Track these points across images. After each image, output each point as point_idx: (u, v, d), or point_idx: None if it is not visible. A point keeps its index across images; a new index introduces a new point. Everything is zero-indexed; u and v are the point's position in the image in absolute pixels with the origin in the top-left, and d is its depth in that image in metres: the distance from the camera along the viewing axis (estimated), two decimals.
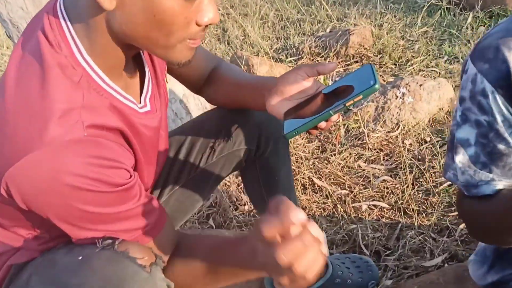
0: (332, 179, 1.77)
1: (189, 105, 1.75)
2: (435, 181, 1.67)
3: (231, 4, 3.71)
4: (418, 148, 1.84)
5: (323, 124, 0.87)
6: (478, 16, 2.76)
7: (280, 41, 3.00)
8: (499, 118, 0.75)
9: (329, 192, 1.70)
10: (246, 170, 1.23)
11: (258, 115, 1.12)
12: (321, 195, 1.71)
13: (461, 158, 0.81)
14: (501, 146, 0.76)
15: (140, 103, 0.83)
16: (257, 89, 0.99)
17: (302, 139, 2.00)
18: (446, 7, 2.89)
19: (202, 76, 1.11)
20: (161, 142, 0.94)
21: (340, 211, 1.62)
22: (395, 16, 2.97)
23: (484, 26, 2.68)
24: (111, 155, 0.71)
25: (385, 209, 1.61)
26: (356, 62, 2.57)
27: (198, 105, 1.78)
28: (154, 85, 0.90)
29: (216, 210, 1.72)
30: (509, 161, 0.77)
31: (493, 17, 2.77)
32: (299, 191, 1.73)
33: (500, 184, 0.79)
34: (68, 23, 0.71)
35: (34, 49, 0.70)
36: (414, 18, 2.90)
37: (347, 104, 0.80)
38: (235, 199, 1.76)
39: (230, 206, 1.72)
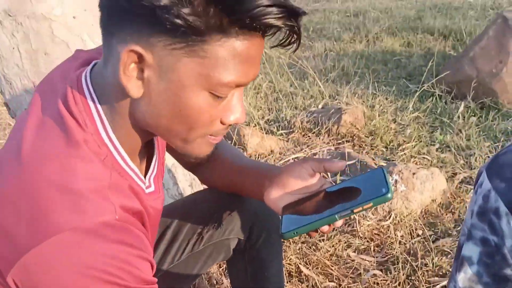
0: (319, 268, 1.66)
1: (177, 175, 1.65)
2: (428, 281, 1.57)
3: None
4: (410, 241, 1.76)
5: (325, 228, 0.78)
6: (470, 106, 2.79)
7: (272, 113, 2.98)
8: (508, 243, 0.68)
9: (316, 283, 1.58)
10: (234, 261, 1.13)
11: (253, 203, 1.03)
12: (307, 286, 1.59)
13: (462, 276, 0.73)
14: (507, 272, 0.69)
15: (145, 183, 0.77)
16: (257, 176, 0.92)
17: None
18: (438, 95, 2.92)
19: None
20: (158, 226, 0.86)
21: None
22: (386, 99, 2.99)
23: (475, 116, 2.70)
24: (139, 244, 0.64)
25: None
26: (348, 141, 2.53)
27: (186, 176, 1.69)
28: (159, 164, 0.84)
29: None
30: None
31: (484, 108, 2.81)
32: (285, 279, 1.61)
33: None
34: (96, 100, 0.67)
35: (57, 123, 0.64)
36: (405, 102, 2.92)
37: (355, 211, 0.73)
38: (215, 282, 1.62)
39: None
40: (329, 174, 2.15)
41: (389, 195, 0.72)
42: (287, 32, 0.63)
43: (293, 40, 0.64)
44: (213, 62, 0.59)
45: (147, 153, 0.79)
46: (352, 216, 1.88)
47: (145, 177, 0.77)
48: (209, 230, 1.03)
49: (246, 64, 0.62)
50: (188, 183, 1.69)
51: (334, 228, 1.65)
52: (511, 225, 0.67)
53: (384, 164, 2.19)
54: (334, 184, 0.84)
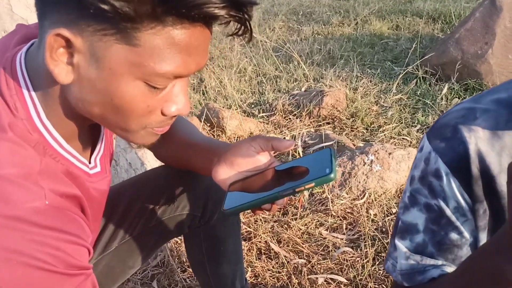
0: (290, 246, 1.66)
1: (146, 155, 1.64)
2: None
3: (211, 56, 3.71)
4: (383, 219, 1.76)
5: (267, 206, 0.77)
6: (454, 88, 2.78)
7: (255, 96, 2.97)
8: (451, 204, 0.67)
9: (286, 260, 1.58)
10: (189, 236, 1.12)
11: (207, 179, 1.01)
12: (277, 263, 1.59)
13: (407, 244, 0.72)
14: (453, 236, 0.68)
15: (90, 163, 0.75)
16: (206, 152, 0.90)
17: None
18: (422, 77, 2.91)
19: None
20: (104, 205, 0.85)
21: (295, 283, 1.50)
22: (370, 81, 2.98)
23: (459, 98, 2.69)
24: (74, 230, 0.61)
25: (342, 285, 1.50)
26: (328, 123, 2.53)
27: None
28: (106, 144, 0.82)
29: (162, 271, 1.59)
30: (459, 254, 0.69)
31: (469, 90, 2.80)
32: (254, 256, 1.61)
33: (450, 269, 0.70)
34: (29, 84, 0.63)
35: None
36: (389, 84, 2.90)
37: (297, 190, 0.72)
38: (184, 260, 1.63)
39: (178, 268, 1.58)
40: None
41: (332, 175, 0.70)
42: (235, 22, 0.59)
43: (242, 31, 0.61)
44: (147, 51, 0.56)
45: (92, 134, 0.77)
46: (324, 195, 1.88)
47: (90, 157, 0.76)
48: (161, 206, 1.02)
49: (186, 55, 0.59)
50: (158, 163, 1.68)
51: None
52: (452, 185, 0.66)
53: (362, 145, 2.18)
54: (283, 162, 0.83)
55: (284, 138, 2.33)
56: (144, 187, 1.05)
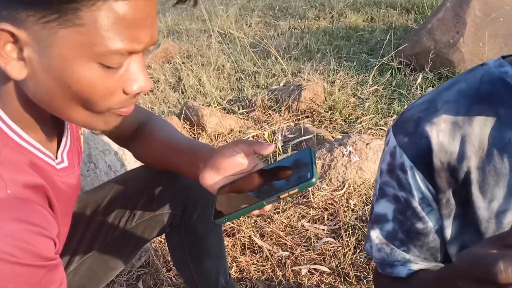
0: (274, 239, 1.69)
1: (125, 156, 1.65)
2: None
3: (188, 54, 3.71)
4: (362, 208, 1.80)
5: (255, 212, 0.80)
6: (428, 77, 2.84)
7: (234, 92, 2.99)
8: (417, 196, 0.70)
9: (269, 253, 1.61)
10: (171, 235, 1.14)
11: (185, 178, 1.02)
12: (261, 257, 1.62)
13: (378, 233, 0.75)
14: (419, 226, 0.72)
15: (57, 158, 0.75)
16: (191, 156, 0.91)
17: None
18: (397, 67, 2.96)
19: (128, 129, 1.02)
20: (76, 196, 0.85)
21: (279, 275, 1.53)
22: (347, 74, 3.02)
23: (433, 87, 2.74)
24: (39, 221, 0.60)
25: (325, 274, 1.53)
26: (307, 117, 2.56)
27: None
28: (72, 139, 0.82)
29: (147, 271, 1.60)
30: (426, 241, 0.72)
31: (442, 78, 2.86)
32: (238, 251, 1.64)
33: (416, 266, 0.73)
34: None
35: None
36: (366, 76, 2.95)
37: (281, 197, 0.75)
38: (169, 259, 1.64)
39: (163, 267, 1.60)
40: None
41: (313, 180, 0.73)
42: None
43: None
44: (93, 30, 0.55)
45: (56, 128, 0.77)
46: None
47: (57, 152, 0.76)
48: (141, 207, 1.03)
49: (134, 28, 0.57)
50: (138, 164, 1.69)
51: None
52: (416, 178, 0.69)
53: (340, 137, 2.22)
54: (267, 164, 0.86)
55: (264, 133, 2.36)
56: (124, 188, 1.05)
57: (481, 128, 0.66)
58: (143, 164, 1.09)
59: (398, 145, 0.70)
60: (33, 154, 0.67)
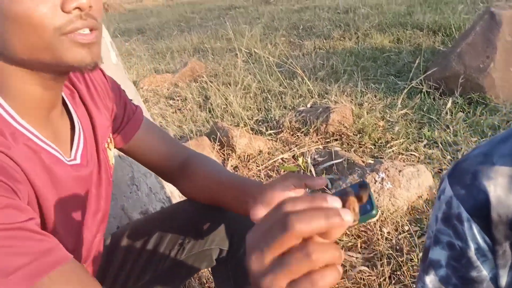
0: None
1: None
2: (413, 276, 1.59)
3: (215, 73, 3.75)
4: (396, 237, 1.78)
5: None
6: (458, 102, 2.81)
7: (261, 113, 3.00)
8: (472, 246, 0.71)
9: None
10: (217, 269, 1.14)
11: (232, 213, 1.03)
12: None
13: (432, 278, 0.76)
14: (473, 274, 0.72)
15: (70, 156, 0.78)
16: (239, 192, 0.92)
17: None
18: (426, 91, 2.94)
19: (169, 164, 1.04)
20: (93, 202, 0.84)
21: None
22: (375, 96, 3.01)
23: (463, 112, 2.72)
24: None
25: None
26: (336, 140, 2.55)
27: None
28: (91, 145, 0.85)
29: None
30: None
31: (472, 103, 2.83)
32: None
33: None
34: None
35: None
36: (394, 99, 2.94)
37: None
38: (204, 281, 1.64)
39: None
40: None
41: (374, 211, 0.73)
42: None
43: None
44: None
45: (64, 125, 0.80)
46: None
47: (71, 152, 0.79)
48: (190, 241, 1.04)
49: None
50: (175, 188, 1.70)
51: None
52: (473, 230, 0.70)
53: (371, 162, 2.21)
54: None
55: (295, 156, 2.36)
56: (173, 222, 1.06)
57: None
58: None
59: (455, 196, 0.71)
60: (29, 139, 0.71)
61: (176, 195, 1.73)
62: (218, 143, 2.49)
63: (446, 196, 0.73)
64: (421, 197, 1.98)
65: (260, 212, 0.85)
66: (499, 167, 0.69)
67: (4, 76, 0.69)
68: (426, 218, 1.87)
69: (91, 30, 0.68)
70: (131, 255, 0.98)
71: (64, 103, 0.83)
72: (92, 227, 0.86)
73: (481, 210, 0.68)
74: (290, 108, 2.98)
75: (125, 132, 0.97)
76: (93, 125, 0.85)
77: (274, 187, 0.84)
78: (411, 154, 2.35)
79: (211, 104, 3.15)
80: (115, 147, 0.97)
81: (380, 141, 2.51)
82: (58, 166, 0.74)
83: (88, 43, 0.68)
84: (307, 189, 0.84)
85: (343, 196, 0.80)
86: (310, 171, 2.18)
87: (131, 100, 1.02)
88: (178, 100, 3.45)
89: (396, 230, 1.82)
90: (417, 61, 3.05)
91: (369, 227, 1.84)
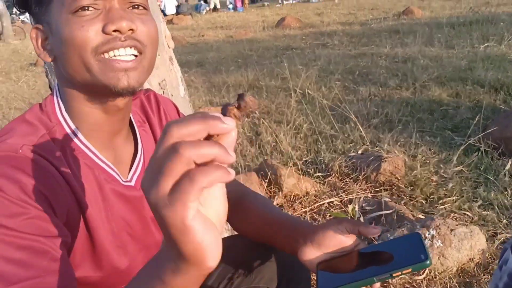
0: None
1: None
2: None
3: (267, 110, 3.79)
4: None
5: None
6: None
7: (310, 154, 2.98)
8: None
9: None
10: None
11: (283, 254, 1.02)
12: None
13: None
14: None
15: (126, 178, 0.82)
16: (290, 231, 0.92)
17: None
18: (484, 150, 2.84)
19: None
20: (143, 226, 0.86)
21: None
22: (430, 149, 2.93)
23: None
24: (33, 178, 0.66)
25: None
26: (386, 190, 2.49)
27: None
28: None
29: None
30: None
31: None
32: None
33: None
34: (57, 91, 0.79)
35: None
36: (449, 155, 2.85)
37: (394, 275, 0.72)
38: None
39: None
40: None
41: (428, 261, 0.71)
42: None
43: None
44: None
45: (126, 149, 0.85)
46: None
47: (128, 174, 0.83)
48: (239, 276, 1.04)
49: None
50: None
51: None
52: None
53: (421, 217, 2.13)
54: (368, 245, 0.84)
55: (342, 201, 2.32)
56: (223, 256, 1.06)
57: None
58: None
59: None
60: (88, 157, 0.77)
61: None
62: (266, 180, 2.49)
63: (508, 268, 0.70)
64: (472, 259, 1.88)
65: (309, 252, 0.84)
66: None
67: (70, 98, 0.76)
68: (476, 283, 1.76)
69: (135, 52, 0.73)
70: None
71: (134, 132, 0.86)
72: (139, 249, 0.88)
73: None
74: (340, 152, 2.95)
75: None
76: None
77: (328, 229, 0.83)
78: (464, 214, 2.25)
79: (261, 141, 3.17)
80: None
81: (432, 197, 2.42)
82: (112, 183, 0.78)
83: (125, 68, 0.71)
84: (361, 236, 0.82)
85: (388, 247, 0.78)
86: (358, 219, 2.13)
87: None
88: None
89: None
90: (476, 118, 2.96)
91: (415, 285, 1.76)
